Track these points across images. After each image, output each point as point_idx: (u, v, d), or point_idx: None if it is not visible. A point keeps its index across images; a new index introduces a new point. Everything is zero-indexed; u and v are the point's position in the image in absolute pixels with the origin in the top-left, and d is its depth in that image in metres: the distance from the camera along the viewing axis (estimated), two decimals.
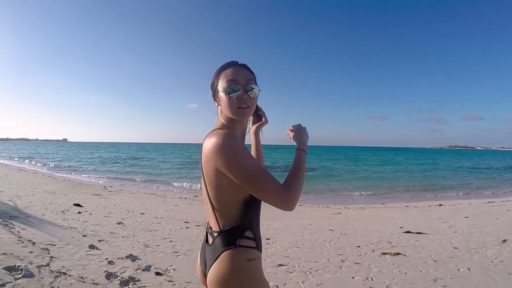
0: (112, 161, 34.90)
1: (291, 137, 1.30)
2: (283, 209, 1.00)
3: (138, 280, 2.95)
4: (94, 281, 2.83)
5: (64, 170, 23.59)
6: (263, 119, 1.42)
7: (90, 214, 6.41)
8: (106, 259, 3.50)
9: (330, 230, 5.92)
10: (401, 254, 4.25)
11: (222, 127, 1.14)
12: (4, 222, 4.99)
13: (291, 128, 1.33)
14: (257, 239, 1.12)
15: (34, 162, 31.18)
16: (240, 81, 1.13)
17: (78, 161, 35.08)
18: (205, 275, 1.19)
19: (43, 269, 3.01)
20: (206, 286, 1.20)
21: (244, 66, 1.19)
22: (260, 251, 1.13)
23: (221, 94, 1.14)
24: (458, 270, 3.60)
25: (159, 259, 3.69)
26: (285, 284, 3.14)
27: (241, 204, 1.09)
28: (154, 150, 74.18)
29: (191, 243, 4.51)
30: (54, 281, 2.75)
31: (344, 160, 47.57)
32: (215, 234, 1.10)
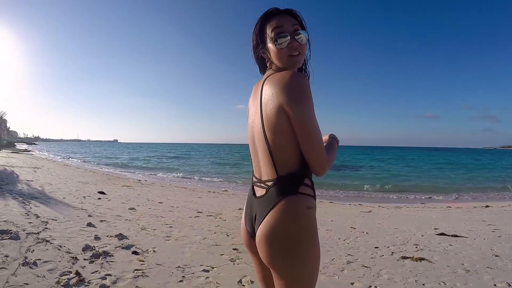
0: (157, 159, 36.94)
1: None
2: (318, 170, 1.06)
3: (111, 256, 3.05)
4: (68, 250, 3.00)
5: (107, 166, 25.54)
6: None
7: (109, 200, 6.83)
8: (95, 235, 3.69)
9: (351, 228, 5.59)
10: (426, 259, 3.73)
11: None
12: (23, 201, 5.54)
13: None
14: (314, 187, 1.11)
15: (80, 159, 34.30)
16: (287, 28, 1.13)
17: (123, 158, 37.75)
18: (251, 235, 1.19)
19: (31, 235, 3.28)
20: (251, 249, 1.22)
21: (287, 13, 1.18)
22: (315, 200, 1.11)
23: (270, 45, 1.15)
24: (495, 285, 2.98)
25: (147, 241, 3.77)
26: None
27: (300, 150, 1.06)
28: (199, 150, 76.82)
29: (190, 231, 4.55)
30: (34, 245, 2.98)
31: (389, 159, 45.19)
32: (269, 184, 1.08)
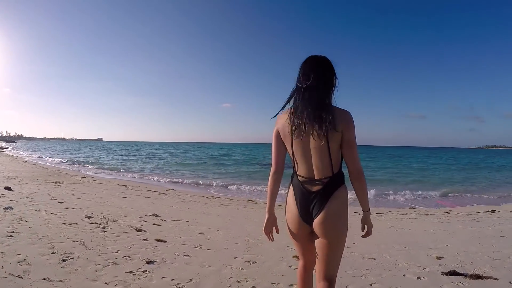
0: (130, 157, 35.95)
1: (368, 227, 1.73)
2: (357, 173, 1.56)
3: None
4: None
5: (68, 164, 24.69)
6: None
7: (2, 196, 6.16)
8: None
9: (289, 265, 3.35)
10: None
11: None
12: None
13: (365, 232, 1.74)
14: None
15: (47, 156, 33.31)
16: None
17: (95, 156, 36.75)
18: (305, 222, 1.62)
19: None
20: (301, 233, 1.66)
21: None
22: None
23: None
24: None
25: None
26: None
27: (341, 156, 1.60)
28: (183, 148, 74.08)
29: (27, 245, 3.34)
30: None
31: (377, 159, 44.55)
32: (326, 180, 1.54)
